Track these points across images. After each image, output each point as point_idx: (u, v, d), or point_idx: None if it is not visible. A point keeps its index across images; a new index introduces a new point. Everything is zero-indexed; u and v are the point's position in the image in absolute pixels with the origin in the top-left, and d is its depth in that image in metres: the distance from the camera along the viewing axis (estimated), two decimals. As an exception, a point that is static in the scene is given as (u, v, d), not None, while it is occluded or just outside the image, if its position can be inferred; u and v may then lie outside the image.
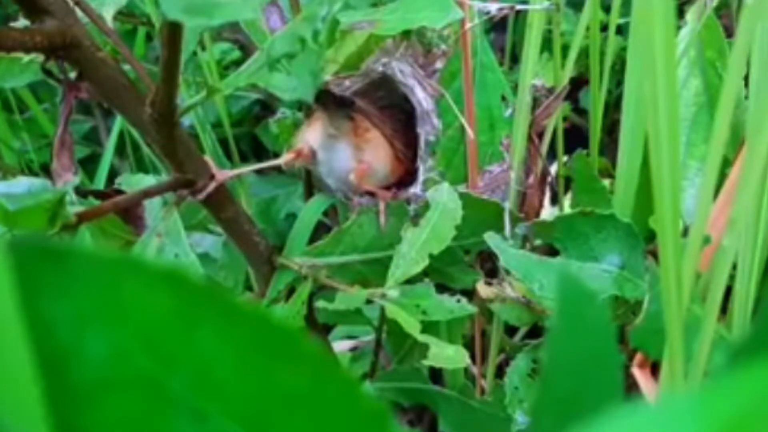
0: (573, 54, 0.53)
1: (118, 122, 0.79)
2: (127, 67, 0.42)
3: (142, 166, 0.81)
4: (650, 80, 0.28)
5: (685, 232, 0.39)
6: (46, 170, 0.83)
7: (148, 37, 0.84)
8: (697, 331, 0.33)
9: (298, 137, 0.54)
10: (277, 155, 0.56)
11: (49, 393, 0.14)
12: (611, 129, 0.73)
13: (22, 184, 0.44)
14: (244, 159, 0.82)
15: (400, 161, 0.54)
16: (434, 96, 0.53)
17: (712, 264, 0.38)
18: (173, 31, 0.33)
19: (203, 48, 0.66)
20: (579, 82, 0.75)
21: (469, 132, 0.52)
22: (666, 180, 0.29)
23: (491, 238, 0.46)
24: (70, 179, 0.43)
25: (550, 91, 0.53)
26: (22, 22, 0.41)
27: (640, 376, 0.45)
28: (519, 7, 0.52)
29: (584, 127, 0.80)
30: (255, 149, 0.86)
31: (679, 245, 0.30)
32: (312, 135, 0.52)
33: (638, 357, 0.45)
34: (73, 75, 0.40)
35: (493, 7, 0.52)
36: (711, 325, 0.32)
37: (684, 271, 0.30)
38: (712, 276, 0.33)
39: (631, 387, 0.45)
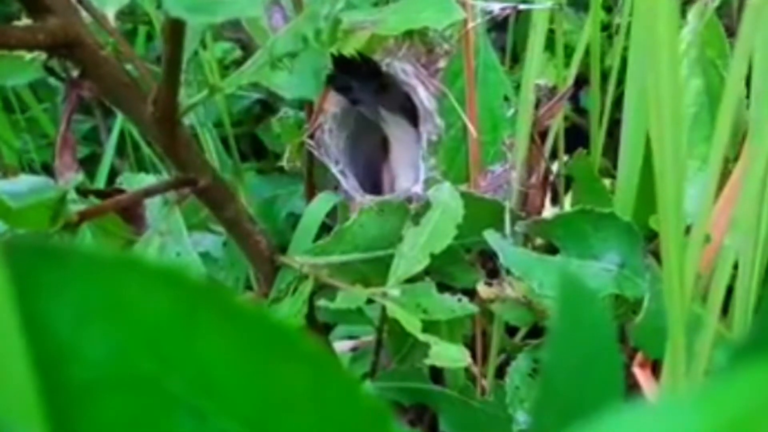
0: (578, 54, 0.52)
1: (119, 122, 0.79)
2: (128, 66, 0.42)
3: (142, 166, 0.81)
4: (653, 79, 0.27)
5: (686, 232, 0.39)
6: (46, 170, 0.83)
7: (149, 37, 0.84)
8: (698, 331, 0.33)
9: None
10: (277, 155, 0.56)
11: (47, 393, 0.14)
12: (611, 129, 0.73)
13: (23, 182, 0.43)
14: (244, 159, 0.82)
15: None
16: (437, 96, 0.53)
17: (713, 263, 0.38)
18: (175, 29, 0.33)
19: (204, 47, 0.66)
20: (579, 82, 0.75)
21: (472, 131, 0.52)
22: (669, 179, 0.29)
23: (491, 236, 0.46)
24: (72, 177, 0.43)
25: (552, 90, 0.53)
26: (24, 21, 0.41)
27: (641, 375, 0.45)
28: (522, 6, 0.52)
29: (584, 127, 0.79)
30: (255, 149, 0.86)
31: (682, 245, 0.30)
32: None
33: (639, 356, 0.45)
34: (75, 73, 0.40)
35: (496, 7, 0.52)
36: (712, 324, 0.32)
37: (687, 271, 0.30)
38: (713, 275, 0.33)
39: (633, 386, 0.45)
